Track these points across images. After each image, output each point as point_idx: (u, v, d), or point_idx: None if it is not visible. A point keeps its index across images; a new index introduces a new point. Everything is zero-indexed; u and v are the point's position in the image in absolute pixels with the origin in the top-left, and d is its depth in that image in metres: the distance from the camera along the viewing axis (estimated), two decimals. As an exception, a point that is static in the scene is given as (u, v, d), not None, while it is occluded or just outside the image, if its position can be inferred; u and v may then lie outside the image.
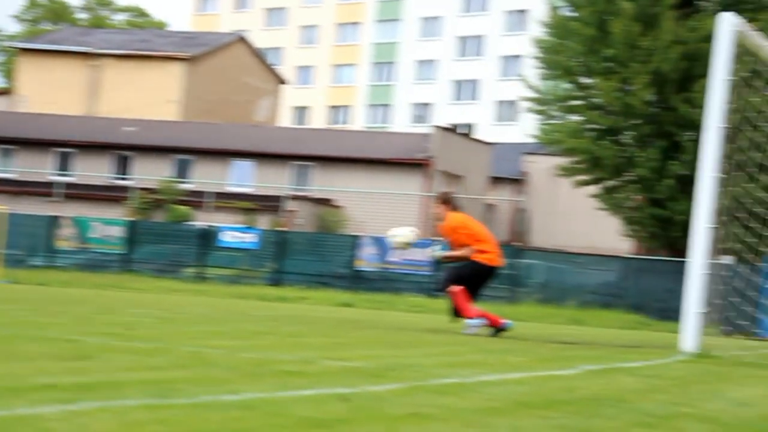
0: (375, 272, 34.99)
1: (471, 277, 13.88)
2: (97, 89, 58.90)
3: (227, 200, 45.43)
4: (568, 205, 53.65)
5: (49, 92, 58.92)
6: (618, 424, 5.65)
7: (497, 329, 13.74)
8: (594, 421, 5.66)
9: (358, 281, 34.78)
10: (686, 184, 34.78)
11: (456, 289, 13.71)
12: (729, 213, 12.96)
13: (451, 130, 56.54)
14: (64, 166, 50.03)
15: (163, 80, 58.09)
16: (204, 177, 47.94)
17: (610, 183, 39.43)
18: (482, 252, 13.94)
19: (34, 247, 35.17)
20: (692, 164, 34.00)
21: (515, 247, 37.11)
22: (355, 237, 35.71)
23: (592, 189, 40.63)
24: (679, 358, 11.70)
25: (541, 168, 55.74)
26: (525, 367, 8.96)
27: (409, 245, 14.65)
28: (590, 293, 32.79)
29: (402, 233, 14.61)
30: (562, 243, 50.72)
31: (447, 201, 14.35)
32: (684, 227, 34.74)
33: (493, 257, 14.07)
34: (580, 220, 52.56)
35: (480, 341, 12.40)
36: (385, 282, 34.50)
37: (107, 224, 37.73)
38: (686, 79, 36.42)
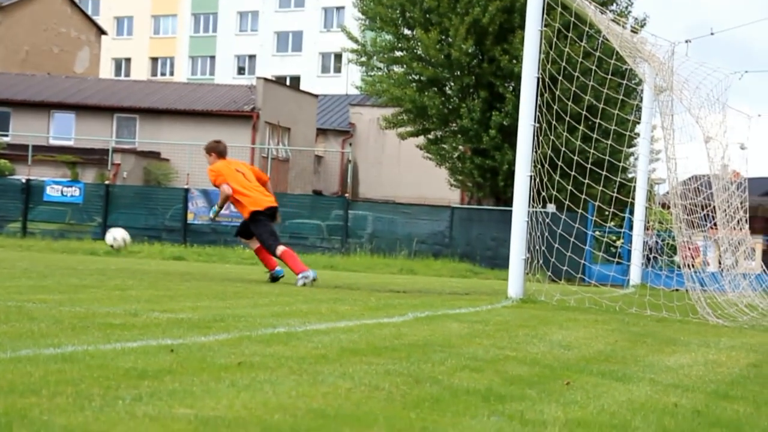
0: (205, 225, 34.66)
1: (256, 227, 14.32)
2: None
3: (49, 153, 44.30)
4: (395, 156, 54.09)
5: None
6: (444, 368, 5.74)
7: (272, 276, 14.35)
8: (421, 366, 5.74)
9: (189, 234, 34.43)
10: (509, 135, 35.48)
11: (254, 246, 14.28)
12: (551, 162, 13.24)
13: (277, 82, 56.24)
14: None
15: (-24, 30, 56.22)
16: (23, 130, 46.61)
17: (436, 134, 39.91)
18: (244, 197, 14.48)
19: None
20: (514, 115, 34.77)
21: (346, 198, 37.25)
22: (185, 190, 35.28)
23: (419, 140, 41.05)
24: (505, 304, 11.96)
25: (367, 119, 56.02)
26: (354, 315, 9.03)
27: (121, 249, 15.07)
28: (420, 243, 33.19)
29: (115, 237, 15.05)
30: (391, 194, 51.20)
31: (211, 150, 15.07)
32: (508, 177, 35.50)
33: (254, 200, 14.46)
34: (408, 170, 53.07)
35: (311, 291, 12.44)
36: (217, 235, 34.23)
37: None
38: (505, 31, 37.04)
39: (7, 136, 46.65)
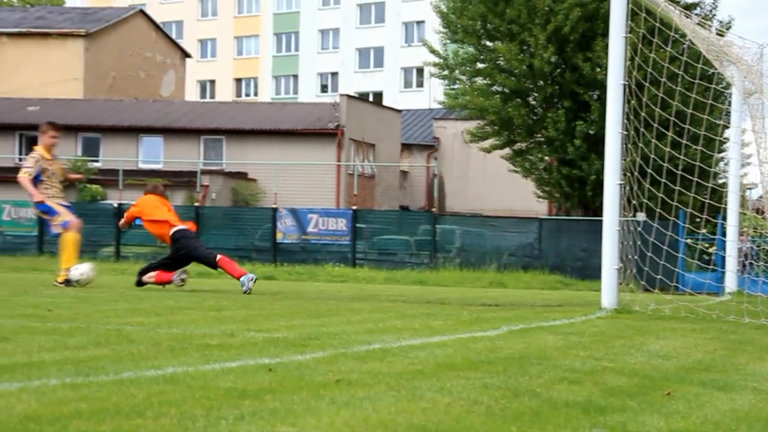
0: (295, 244, 34.89)
1: (188, 245, 15.99)
2: (-4, 69, 57.84)
3: (139, 177, 44.94)
4: (481, 168, 53.96)
5: (-54, 74, 57.70)
6: (542, 381, 5.70)
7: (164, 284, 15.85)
8: (518, 379, 5.71)
9: (279, 254, 34.66)
10: (596, 144, 35.21)
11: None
12: (640, 170, 13.11)
13: (360, 98, 56.49)
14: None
15: (63, 58, 57.08)
16: (113, 155, 47.34)
17: (521, 146, 39.73)
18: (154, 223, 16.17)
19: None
20: (600, 123, 34.49)
21: (433, 213, 37.25)
22: (273, 209, 35.55)
23: (504, 152, 40.89)
24: (600, 315, 11.85)
25: (451, 133, 55.98)
26: (448, 330, 9.01)
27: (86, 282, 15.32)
28: (509, 255, 33.06)
29: (82, 272, 15.28)
30: (477, 207, 51.07)
31: (147, 190, 16.91)
32: (596, 186, 35.21)
33: (161, 227, 16.09)
34: (494, 183, 52.91)
35: (403, 307, 12.44)
36: (306, 253, 34.43)
37: (18, 206, 37.12)
38: (587, 39, 36.79)
39: (97, 161, 47.41)
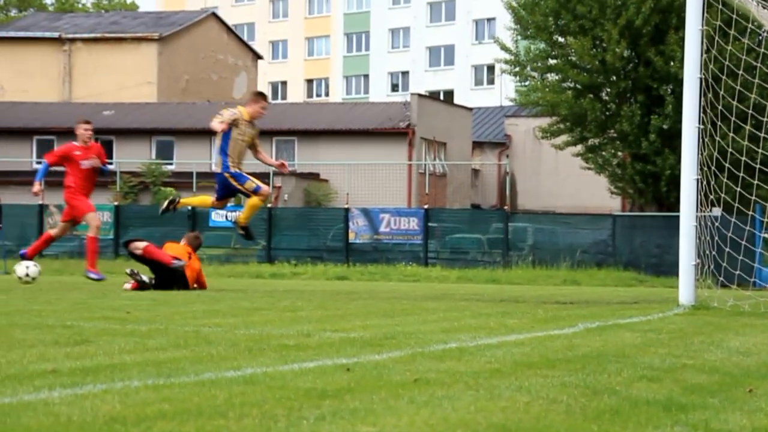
0: (367, 244, 34.98)
1: None
2: (71, 74, 58.53)
3: (212, 179, 45.30)
4: (553, 165, 53.69)
5: (22, 80, 58.50)
6: (621, 378, 5.67)
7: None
8: (597, 377, 5.69)
9: (351, 254, 34.75)
10: (670, 138, 34.86)
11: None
12: (717, 164, 12.96)
13: (430, 97, 56.46)
14: (44, 153, 49.74)
15: (137, 62, 57.75)
16: (186, 157, 47.77)
17: (594, 141, 39.45)
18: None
19: (24, 236, 34.97)
20: (674, 118, 34.15)
21: (505, 211, 37.13)
22: (345, 210, 35.66)
23: (576, 149, 40.63)
24: (677, 312, 11.73)
25: (523, 130, 55.77)
26: (524, 328, 8.98)
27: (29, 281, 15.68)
28: (583, 252, 32.84)
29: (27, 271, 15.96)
30: (549, 204, 50.82)
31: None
32: (671, 181, 34.86)
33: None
34: (567, 180, 52.61)
35: (477, 306, 12.43)
36: (378, 253, 34.47)
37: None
38: (660, 33, 36.43)
39: (171, 164, 47.91)
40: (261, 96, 16.49)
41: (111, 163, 18.11)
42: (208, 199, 16.41)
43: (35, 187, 17.94)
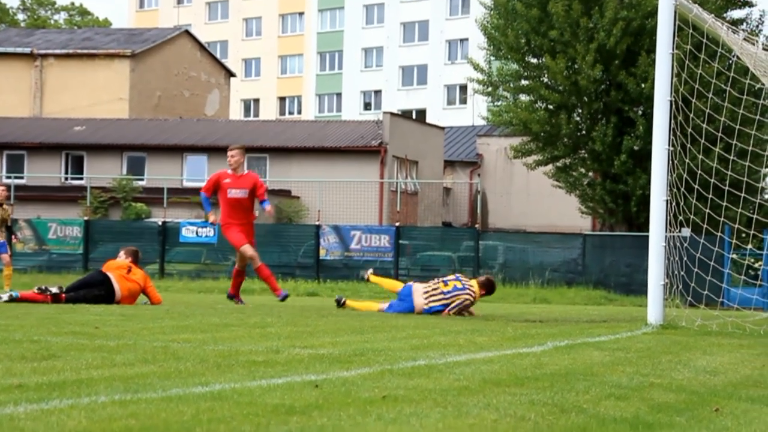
0: (338, 260, 34.97)
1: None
2: (43, 90, 58.34)
3: (183, 195, 45.22)
4: (524, 185, 53.86)
5: (-6, 95, 58.35)
6: (589, 397, 5.69)
7: None
8: (565, 395, 5.70)
9: (322, 270, 34.73)
10: (641, 159, 35.08)
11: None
12: (686, 185, 13.04)
13: (403, 116, 56.53)
14: (15, 168, 49.56)
15: (109, 78, 57.62)
16: (158, 173, 47.68)
17: (565, 161, 39.63)
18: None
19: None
20: (645, 139, 34.36)
21: (476, 229, 37.20)
22: (317, 226, 35.64)
23: (547, 168, 40.81)
24: (646, 331, 11.78)
25: (494, 149, 55.92)
26: (493, 346, 9.00)
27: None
28: (553, 271, 32.96)
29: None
30: (520, 223, 50.96)
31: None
32: (641, 202, 35.06)
33: None
34: (538, 199, 52.79)
35: (447, 324, 12.43)
36: (349, 270, 34.47)
37: (64, 224, 37.46)
38: (632, 54, 36.70)
39: (142, 180, 47.77)
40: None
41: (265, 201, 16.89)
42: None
43: (210, 218, 17.58)
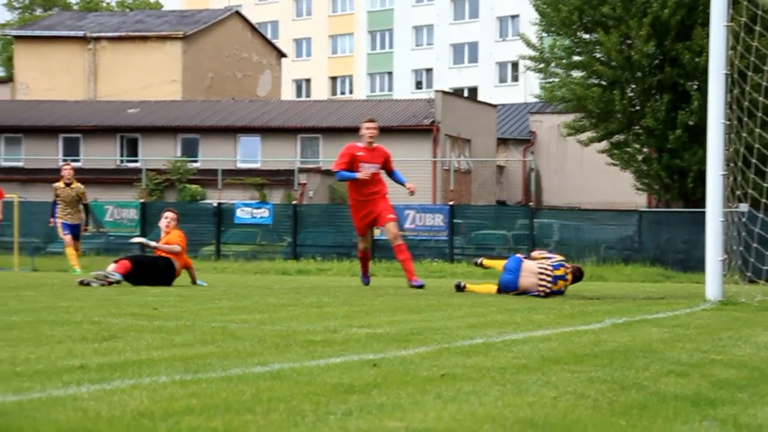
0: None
1: None
2: (96, 73, 58.78)
3: (237, 177, 45.46)
4: (578, 162, 53.54)
5: (48, 79, 58.80)
6: (649, 374, 5.65)
7: None
8: (625, 372, 5.67)
9: (376, 250, 34.66)
10: (697, 134, 34.70)
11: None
12: (743, 159, 12.89)
13: (455, 94, 56.39)
14: (71, 151, 50.01)
15: (162, 60, 57.95)
16: (211, 155, 47.94)
17: (619, 137, 39.29)
18: None
19: (51, 234, 35.12)
20: (700, 114, 33.99)
21: (530, 207, 37.07)
22: (370, 206, 35.62)
23: (601, 145, 40.49)
24: (705, 307, 11.69)
25: (548, 126, 55.63)
26: (550, 324, 8.96)
27: None
28: (609, 248, 32.75)
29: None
30: (575, 200, 50.68)
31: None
32: (697, 177, 34.70)
33: None
34: (592, 176, 52.46)
35: (503, 302, 12.41)
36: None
37: (121, 207, 37.79)
38: (686, 28, 36.28)
39: (196, 161, 48.04)
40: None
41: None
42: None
43: (360, 174, 16.24)
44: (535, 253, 14.59)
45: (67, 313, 9.11)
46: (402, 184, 16.37)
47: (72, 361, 5.67)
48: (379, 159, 16.30)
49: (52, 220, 22.78)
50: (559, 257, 13.91)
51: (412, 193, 16.42)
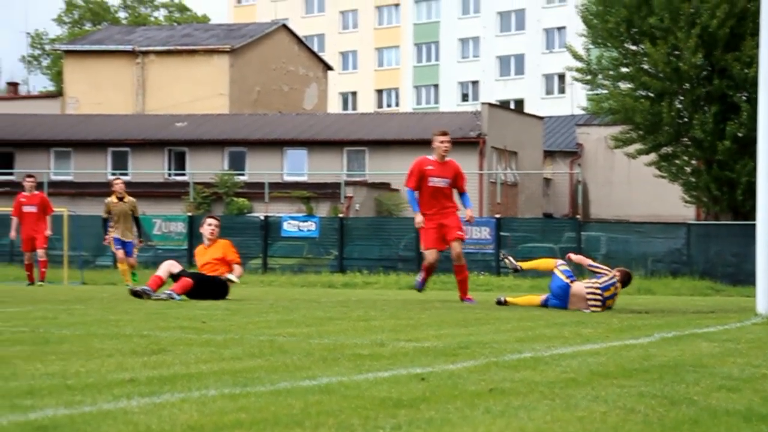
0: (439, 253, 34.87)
1: None
2: (144, 86, 59.26)
3: (284, 190, 45.61)
4: (625, 174, 53.28)
5: (97, 93, 59.35)
6: (699, 389, 5.60)
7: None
8: (675, 387, 5.63)
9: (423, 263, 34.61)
10: (746, 145, 34.42)
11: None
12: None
13: (501, 106, 56.28)
14: (119, 165, 50.41)
15: (209, 74, 58.32)
16: (258, 168, 48.13)
17: (667, 149, 39.05)
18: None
19: (100, 247, 35.42)
20: (749, 126, 33.72)
21: (577, 220, 36.90)
22: (417, 219, 35.56)
23: (649, 158, 40.26)
24: (755, 321, 11.57)
25: (595, 138, 55.42)
26: (599, 338, 8.91)
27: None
28: (656, 261, 32.51)
29: None
30: (622, 213, 50.43)
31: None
32: (747, 189, 34.40)
33: None
34: (640, 188, 52.18)
35: (551, 315, 12.36)
36: (450, 262, 34.33)
37: (169, 220, 38.03)
38: (735, 38, 36.04)
39: (243, 174, 48.25)
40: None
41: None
42: (551, 262, 14.38)
43: (418, 219, 15.65)
44: (576, 258, 14.44)
45: (116, 327, 9.17)
46: (464, 207, 15.78)
47: (122, 374, 5.71)
48: (449, 173, 15.65)
49: (107, 237, 22.74)
50: (606, 276, 13.71)
51: (468, 221, 15.85)
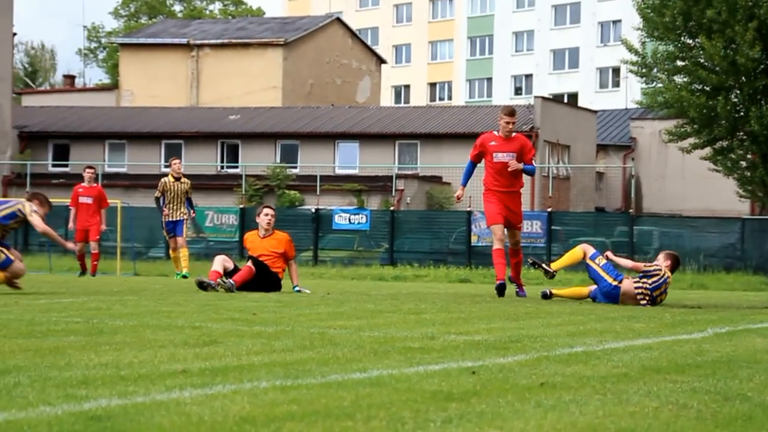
0: (489, 246, 34.79)
1: None
2: (199, 79, 59.58)
3: (336, 183, 45.69)
4: (679, 168, 52.84)
5: (151, 85, 59.78)
6: (753, 384, 5.56)
7: None
8: (728, 382, 5.58)
9: (474, 256, 34.63)
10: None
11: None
12: None
13: (554, 100, 56.00)
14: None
15: (263, 67, 58.52)
16: (310, 161, 48.24)
17: (722, 144, 38.65)
18: None
19: (153, 239, 35.76)
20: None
21: (630, 214, 36.66)
22: (468, 212, 35.56)
23: (703, 152, 39.88)
24: (810, 317, 11.47)
25: (649, 132, 55.00)
26: (651, 332, 8.86)
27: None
28: (709, 256, 32.26)
29: None
30: (675, 208, 50.03)
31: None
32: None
33: None
34: (693, 183, 51.74)
35: (603, 310, 12.30)
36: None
37: (221, 212, 38.23)
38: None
39: (295, 167, 48.39)
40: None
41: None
42: (579, 253, 14.20)
43: (458, 192, 15.43)
44: (615, 259, 14.20)
45: (168, 318, 9.24)
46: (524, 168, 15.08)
47: (174, 365, 5.75)
48: (515, 147, 14.97)
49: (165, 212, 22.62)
50: (656, 276, 13.51)
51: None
